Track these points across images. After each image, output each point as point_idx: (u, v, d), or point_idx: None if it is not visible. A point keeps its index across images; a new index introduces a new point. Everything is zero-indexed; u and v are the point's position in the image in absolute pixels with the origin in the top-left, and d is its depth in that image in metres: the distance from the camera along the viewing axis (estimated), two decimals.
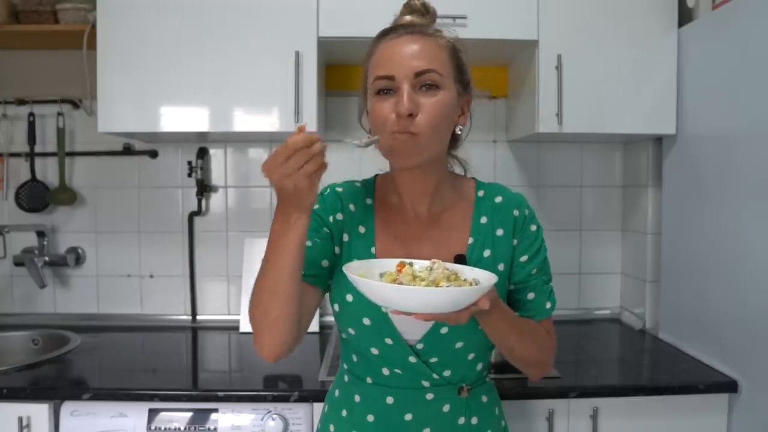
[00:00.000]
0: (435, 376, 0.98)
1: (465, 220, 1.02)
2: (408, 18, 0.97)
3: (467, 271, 0.90)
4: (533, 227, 1.03)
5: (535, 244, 1.02)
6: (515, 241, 1.01)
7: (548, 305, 1.04)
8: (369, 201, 1.05)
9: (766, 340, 1.38)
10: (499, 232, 1.01)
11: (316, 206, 1.02)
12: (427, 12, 0.98)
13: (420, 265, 0.90)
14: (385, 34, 0.96)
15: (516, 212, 1.02)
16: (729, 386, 1.46)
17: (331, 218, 1.02)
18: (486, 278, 0.87)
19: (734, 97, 1.50)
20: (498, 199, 1.04)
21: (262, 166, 0.80)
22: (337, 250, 1.01)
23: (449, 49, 0.95)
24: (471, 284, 0.85)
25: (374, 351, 0.98)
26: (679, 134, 1.75)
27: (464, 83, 0.99)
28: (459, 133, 1.00)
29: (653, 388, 1.46)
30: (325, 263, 0.99)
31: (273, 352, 0.91)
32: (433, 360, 0.98)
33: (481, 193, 1.05)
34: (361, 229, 1.02)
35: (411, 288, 0.81)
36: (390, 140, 0.91)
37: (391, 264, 0.91)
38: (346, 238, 1.01)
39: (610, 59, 1.72)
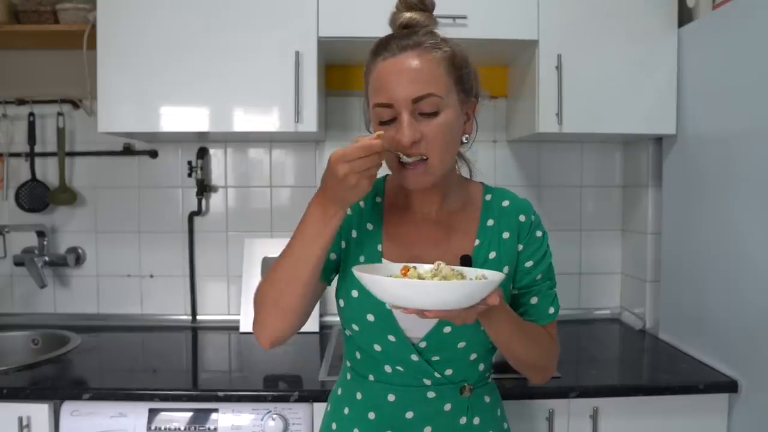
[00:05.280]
0: (437, 374, 0.98)
1: (472, 222, 1.03)
2: (407, 15, 0.93)
3: (471, 272, 0.89)
4: (539, 233, 1.03)
5: (540, 250, 1.03)
6: (521, 246, 1.02)
7: (551, 310, 1.04)
8: (378, 199, 1.05)
9: (766, 340, 1.38)
10: (505, 235, 1.01)
11: None
12: (424, 6, 0.94)
13: (424, 268, 0.89)
14: (379, 52, 0.92)
15: (522, 217, 1.03)
16: (729, 386, 1.46)
17: None
18: (493, 275, 0.86)
19: (734, 97, 1.50)
20: (505, 203, 1.04)
21: (332, 155, 0.82)
22: (343, 244, 1.02)
23: (447, 62, 0.91)
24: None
25: (377, 348, 0.98)
26: (679, 134, 1.75)
27: (467, 90, 0.97)
28: (465, 142, 1.00)
29: (653, 388, 1.46)
30: (333, 256, 1.01)
31: (272, 338, 0.95)
32: (435, 358, 0.98)
33: (488, 197, 1.05)
34: (369, 226, 1.02)
35: (423, 282, 0.80)
36: (401, 168, 0.91)
37: (395, 268, 0.91)
38: (354, 234, 1.02)
39: (610, 59, 1.72)
